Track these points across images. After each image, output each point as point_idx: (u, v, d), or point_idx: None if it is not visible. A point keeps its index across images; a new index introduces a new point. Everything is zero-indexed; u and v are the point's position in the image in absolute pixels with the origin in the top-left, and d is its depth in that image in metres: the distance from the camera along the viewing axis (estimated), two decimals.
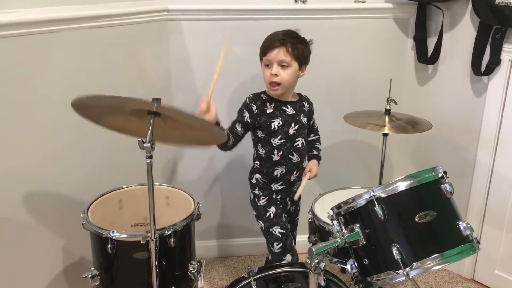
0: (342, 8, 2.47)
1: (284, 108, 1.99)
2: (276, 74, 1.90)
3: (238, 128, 1.97)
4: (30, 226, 1.95)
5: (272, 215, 2.03)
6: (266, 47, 1.91)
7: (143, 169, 1.59)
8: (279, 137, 1.97)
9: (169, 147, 2.51)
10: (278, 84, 1.92)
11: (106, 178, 2.13)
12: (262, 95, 2.00)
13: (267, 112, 1.96)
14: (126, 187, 2.05)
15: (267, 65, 1.93)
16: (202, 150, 2.58)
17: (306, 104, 2.08)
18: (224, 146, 1.95)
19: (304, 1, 2.46)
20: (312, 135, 2.19)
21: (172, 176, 2.57)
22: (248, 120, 1.97)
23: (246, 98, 2.01)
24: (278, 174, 2.01)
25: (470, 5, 2.28)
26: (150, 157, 1.54)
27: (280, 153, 1.98)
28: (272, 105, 1.98)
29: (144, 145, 1.51)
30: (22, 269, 1.94)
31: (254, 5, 2.41)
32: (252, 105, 1.97)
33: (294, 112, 2.01)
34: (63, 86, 1.96)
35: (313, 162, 2.12)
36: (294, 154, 2.00)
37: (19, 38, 1.78)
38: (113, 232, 1.73)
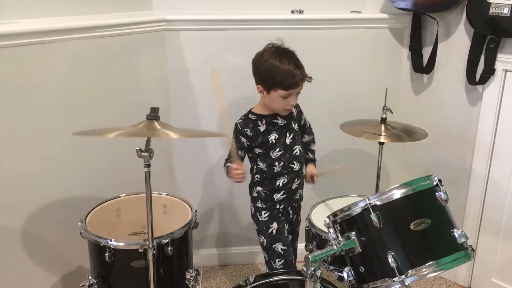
0: (338, 18, 2.50)
1: (275, 121, 2.00)
2: (294, 104, 1.95)
3: (241, 153, 2.00)
4: (28, 234, 1.95)
5: (274, 231, 2.02)
6: (291, 86, 1.87)
7: (141, 178, 1.61)
8: (277, 149, 1.98)
9: (167, 156, 2.52)
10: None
11: (104, 186, 2.14)
12: (250, 116, 2.00)
13: (261, 130, 1.97)
14: (124, 196, 2.06)
15: (284, 97, 1.90)
16: (201, 159, 2.59)
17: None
18: None
19: (300, 12, 2.49)
20: (306, 136, 2.19)
21: (170, 185, 2.57)
22: (247, 144, 1.99)
23: (237, 125, 1.99)
24: (280, 184, 2.01)
25: (464, 16, 2.30)
26: (148, 165, 1.55)
27: (281, 163, 1.98)
28: (263, 121, 1.98)
29: (142, 153, 1.52)
30: (19, 277, 1.95)
31: (251, 15, 2.43)
32: (246, 129, 1.97)
33: (285, 121, 2.02)
34: (62, 95, 1.98)
35: (311, 167, 2.14)
36: (294, 162, 2.01)
37: (19, 48, 1.80)
38: (111, 240, 1.73)
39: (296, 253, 2.19)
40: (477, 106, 2.39)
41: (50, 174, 1.99)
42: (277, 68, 1.86)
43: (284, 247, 2.01)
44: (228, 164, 1.96)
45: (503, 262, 2.43)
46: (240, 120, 2.01)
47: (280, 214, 2.05)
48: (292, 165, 2.01)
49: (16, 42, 1.79)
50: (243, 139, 1.98)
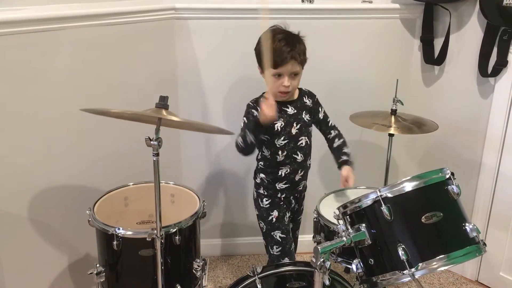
0: (349, 8, 2.46)
1: (285, 108, 1.98)
2: (288, 85, 1.90)
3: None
4: (36, 222, 1.96)
5: (274, 219, 2.03)
6: (277, 62, 1.86)
7: (148, 167, 1.60)
8: (282, 138, 1.97)
9: (175, 144, 2.52)
10: (288, 92, 1.93)
11: (112, 175, 2.14)
12: (261, 99, 1.98)
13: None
14: (132, 185, 2.05)
15: (276, 75, 1.90)
16: (208, 149, 2.58)
17: (307, 100, 2.05)
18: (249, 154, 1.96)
19: (311, 1, 2.46)
20: (336, 140, 2.09)
21: (177, 174, 2.57)
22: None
23: (249, 104, 2.00)
24: (283, 174, 2.01)
25: (477, 6, 2.27)
26: (157, 154, 1.54)
27: (284, 153, 1.98)
28: None
29: (151, 142, 1.51)
30: (27, 265, 1.95)
31: (261, 4, 2.40)
32: (258, 106, 1.95)
33: (295, 111, 2.00)
34: (69, 83, 1.97)
35: (346, 169, 2.00)
36: (298, 153, 2.00)
37: (26, 35, 1.79)
38: (119, 229, 1.73)
39: (297, 242, 2.20)
40: (489, 98, 2.36)
41: (58, 162, 1.99)
42: (267, 46, 1.86)
43: (283, 235, 2.01)
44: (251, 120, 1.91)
45: None
46: (252, 102, 2.01)
47: (282, 202, 2.05)
48: (295, 156, 2.00)
49: (24, 29, 1.78)
50: (256, 113, 1.95)
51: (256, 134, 1.90)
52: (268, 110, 1.82)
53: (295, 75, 1.91)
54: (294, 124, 1.99)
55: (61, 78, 1.94)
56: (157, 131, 1.52)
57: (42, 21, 1.83)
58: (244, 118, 1.99)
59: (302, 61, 1.92)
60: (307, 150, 2.04)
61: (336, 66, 2.48)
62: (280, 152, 1.98)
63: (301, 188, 2.09)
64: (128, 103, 2.13)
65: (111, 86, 2.14)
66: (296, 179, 2.04)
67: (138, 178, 2.06)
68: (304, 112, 2.03)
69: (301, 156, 2.01)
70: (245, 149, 1.93)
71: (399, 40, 2.56)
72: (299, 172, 2.04)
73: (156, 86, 2.31)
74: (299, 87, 2.05)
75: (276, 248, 2.01)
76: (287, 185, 2.03)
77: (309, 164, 2.09)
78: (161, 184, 1.63)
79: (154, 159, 1.55)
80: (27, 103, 1.85)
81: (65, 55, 1.94)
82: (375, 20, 2.49)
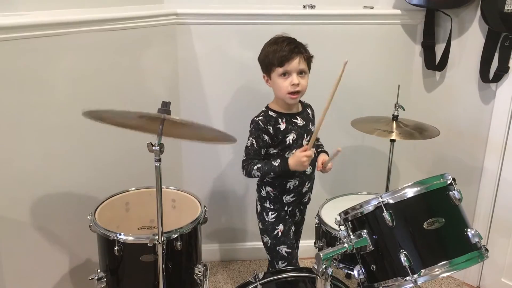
0: (350, 14, 2.47)
1: (295, 120, 1.96)
2: (298, 84, 1.86)
3: (264, 153, 1.94)
4: (37, 228, 1.95)
5: (280, 233, 1.99)
6: (283, 58, 1.84)
7: (150, 172, 1.59)
8: (293, 151, 1.92)
9: (176, 150, 2.52)
10: (298, 92, 1.89)
11: (113, 180, 2.14)
12: (270, 113, 1.94)
13: (281, 129, 1.92)
14: (133, 190, 2.05)
15: (283, 75, 1.87)
16: (209, 154, 2.58)
17: (309, 111, 2.06)
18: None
19: (312, 7, 2.47)
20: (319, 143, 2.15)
21: (178, 179, 2.57)
22: (269, 142, 1.93)
23: (258, 122, 1.92)
24: (291, 187, 1.97)
25: (478, 12, 2.28)
26: (159, 160, 1.54)
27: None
28: (284, 120, 1.93)
29: (153, 148, 1.51)
30: (28, 270, 1.95)
31: (263, 10, 2.42)
32: (268, 127, 1.90)
33: (304, 122, 1.98)
34: (71, 89, 1.97)
35: (324, 155, 2.04)
36: (309, 167, 1.95)
37: (29, 40, 1.78)
38: (120, 234, 1.73)
39: (298, 249, 2.17)
40: (490, 104, 2.37)
41: (59, 167, 1.99)
42: (271, 49, 1.88)
43: (289, 250, 1.98)
44: (278, 162, 1.87)
45: None
46: (262, 117, 1.93)
47: (288, 216, 2.03)
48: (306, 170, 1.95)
49: (26, 34, 1.77)
50: (266, 137, 1.91)
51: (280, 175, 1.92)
52: (307, 162, 1.83)
53: (302, 73, 1.89)
54: (305, 136, 1.97)
55: (63, 83, 1.94)
56: (159, 137, 1.52)
57: (44, 26, 1.83)
58: (254, 141, 1.91)
59: (308, 59, 1.90)
60: (314, 162, 2.00)
61: (337, 71, 2.48)
62: None
63: (306, 200, 2.07)
64: (130, 108, 2.13)
65: (113, 92, 2.14)
66: (303, 191, 2.02)
67: (139, 183, 2.06)
68: (310, 123, 2.02)
69: (309, 168, 1.97)
70: (258, 179, 1.99)
71: (401, 46, 2.57)
72: (307, 184, 2.01)
73: (157, 91, 2.32)
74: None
75: (282, 263, 1.98)
76: (294, 198, 2.00)
77: (315, 175, 2.07)
78: (162, 189, 1.62)
79: (156, 164, 1.55)
80: (28, 109, 1.84)
81: (66, 60, 1.94)
82: (376, 25, 2.50)
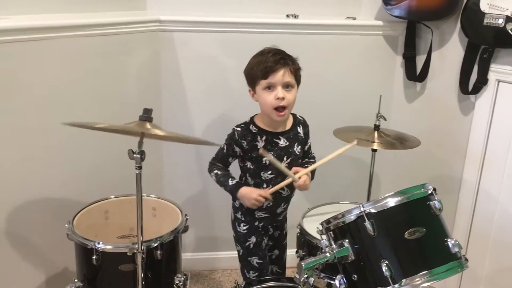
0: (333, 24, 2.49)
1: (276, 140, 1.86)
2: (283, 98, 1.75)
3: (231, 160, 1.93)
4: (13, 235, 1.91)
5: (252, 245, 1.96)
6: (267, 70, 1.74)
7: (130, 179, 1.57)
8: (269, 172, 1.86)
9: (157, 158, 2.49)
10: (284, 107, 1.78)
11: (92, 187, 2.10)
12: (251, 127, 1.86)
13: (258, 147, 1.84)
14: (113, 198, 2.02)
15: (268, 88, 1.77)
16: (191, 162, 2.56)
17: (300, 130, 1.94)
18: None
19: (295, 16, 2.48)
20: (307, 159, 2.03)
21: (159, 187, 2.54)
22: (240, 154, 1.88)
23: (234, 132, 1.86)
24: (264, 206, 1.90)
25: (458, 25, 2.31)
26: (140, 167, 1.52)
27: (270, 187, 1.87)
28: (263, 138, 1.84)
29: (134, 155, 1.49)
30: (3, 280, 1.90)
31: (247, 18, 2.42)
32: (242, 141, 1.84)
33: (287, 143, 1.88)
34: (51, 94, 1.95)
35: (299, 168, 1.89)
36: (284, 188, 1.89)
37: (9, 44, 1.76)
38: (98, 243, 1.70)
39: (285, 265, 2.16)
40: (470, 115, 2.40)
41: (37, 173, 1.95)
42: (255, 61, 1.80)
43: (260, 261, 1.96)
44: (233, 183, 1.86)
45: (492, 272, 2.43)
46: (240, 129, 1.86)
47: (260, 229, 1.98)
48: (281, 191, 1.89)
49: (7, 39, 1.75)
50: (237, 149, 1.86)
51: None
52: (256, 205, 1.82)
53: (289, 87, 1.78)
54: (285, 158, 1.87)
55: (43, 87, 1.91)
56: (140, 144, 1.51)
57: (25, 31, 1.81)
58: (225, 147, 1.89)
59: (296, 72, 1.80)
60: (292, 185, 1.88)
61: (320, 81, 2.49)
62: (265, 185, 1.88)
63: (281, 218, 2.03)
64: (112, 115, 2.11)
65: (94, 97, 2.11)
66: (278, 212, 1.97)
67: (119, 191, 2.03)
68: (296, 143, 1.91)
69: (286, 191, 1.92)
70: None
71: (382, 57, 2.59)
72: (282, 205, 1.96)
73: (140, 98, 2.30)
74: (294, 113, 1.95)
75: (253, 273, 1.96)
76: (267, 215, 1.95)
77: (293, 195, 2.00)
78: (143, 197, 1.60)
79: (137, 172, 1.53)
80: (6, 114, 1.81)
81: (47, 65, 1.91)
82: (358, 36, 2.52)
